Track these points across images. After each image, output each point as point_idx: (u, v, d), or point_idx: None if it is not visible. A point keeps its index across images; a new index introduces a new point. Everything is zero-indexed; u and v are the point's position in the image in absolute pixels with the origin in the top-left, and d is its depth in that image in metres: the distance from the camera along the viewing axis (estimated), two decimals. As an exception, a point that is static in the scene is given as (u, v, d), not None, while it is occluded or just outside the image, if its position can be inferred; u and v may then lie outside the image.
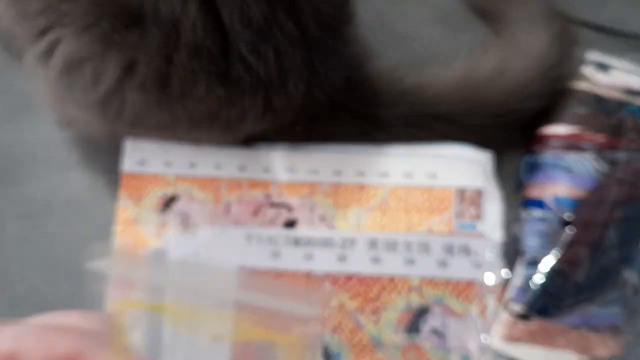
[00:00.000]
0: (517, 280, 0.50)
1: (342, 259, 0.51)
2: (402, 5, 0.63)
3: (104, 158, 0.55)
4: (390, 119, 0.53)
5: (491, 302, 0.50)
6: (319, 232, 0.52)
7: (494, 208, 0.53)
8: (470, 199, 0.53)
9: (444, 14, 0.62)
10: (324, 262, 0.51)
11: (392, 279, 0.51)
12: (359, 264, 0.51)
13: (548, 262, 0.50)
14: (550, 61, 0.54)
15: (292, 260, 0.51)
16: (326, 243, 0.51)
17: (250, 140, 0.54)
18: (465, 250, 0.51)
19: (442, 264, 0.51)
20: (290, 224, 0.53)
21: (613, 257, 0.50)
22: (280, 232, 0.52)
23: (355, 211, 0.53)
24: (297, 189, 0.53)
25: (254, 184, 0.53)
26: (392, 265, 0.51)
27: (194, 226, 0.52)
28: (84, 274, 0.51)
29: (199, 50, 0.42)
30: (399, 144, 0.54)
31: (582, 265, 0.50)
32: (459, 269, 0.51)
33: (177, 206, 0.52)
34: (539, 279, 0.49)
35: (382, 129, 0.53)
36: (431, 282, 0.51)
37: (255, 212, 0.53)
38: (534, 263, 0.50)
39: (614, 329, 0.49)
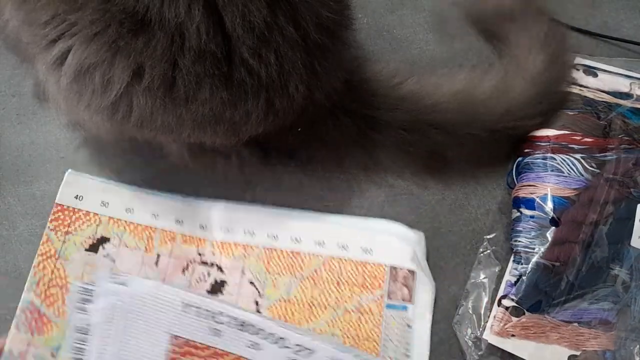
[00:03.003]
0: (510, 277, 0.50)
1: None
2: (399, 11, 0.62)
3: (112, 158, 0.54)
4: (388, 122, 0.52)
5: (485, 298, 0.50)
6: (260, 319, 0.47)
7: (425, 292, 0.50)
8: (403, 279, 0.50)
9: (439, 20, 0.62)
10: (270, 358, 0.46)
11: None
12: None
13: (540, 259, 0.49)
14: (547, 82, 0.54)
15: (235, 344, 0.46)
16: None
17: (252, 142, 0.53)
18: None
19: None
20: (219, 285, 0.49)
21: (603, 254, 0.49)
22: (223, 308, 0.47)
23: (287, 279, 0.50)
24: (230, 250, 0.50)
25: (188, 239, 0.50)
26: None
27: (122, 274, 0.48)
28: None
29: (203, 55, 0.41)
30: (337, 213, 0.52)
31: (573, 262, 0.49)
32: None
33: (106, 249, 0.49)
34: (531, 275, 0.49)
35: (379, 131, 0.52)
36: None
37: (185, 268, 0.49)
38: (526, 260, 0.49)
39: (605, 324, 0.48)
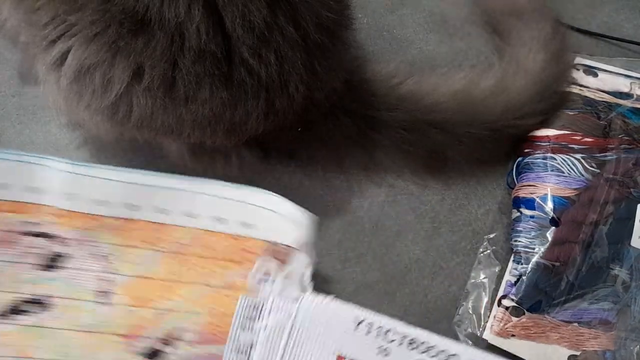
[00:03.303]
0: (510, 277, 0.50)
1: None
2: (399, 11, 0.62)
3: (112, 158, 0.54)
4: (388, 122, 0.52)
5: (485, 298, 0.50)
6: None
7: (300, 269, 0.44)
8: (280, 255, 0.45)
9: (439, 20, 0.62)
10: None
11: None
12: None
13: (540, 259, 0.49)
14: (547, 81, 0.54)
15: None
16: None
17: (252, 142, 0.53)
18: None
19: None
20: (58, 259, 0.43)
21: (603, 254, 0.49)
22: (394, 325, 0.42)
23: (147, 254, 0.43)
24: (77, 219, 0.43)
25: (17, 207, 0.43)
26: None
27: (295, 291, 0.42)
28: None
29: (203, 55, 0.41)
30: (216, 181, 0.47)
31: (573, 262, 0.49)
32: None
33: None
34: (531, 276, 0.49)
35: (379, 131, 0.52)
36: None
37: (11, 241, 0.42)
38: (526, 260, 0.49)
39: (605, 324, 0.48)
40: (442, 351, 0.41)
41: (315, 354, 0.41)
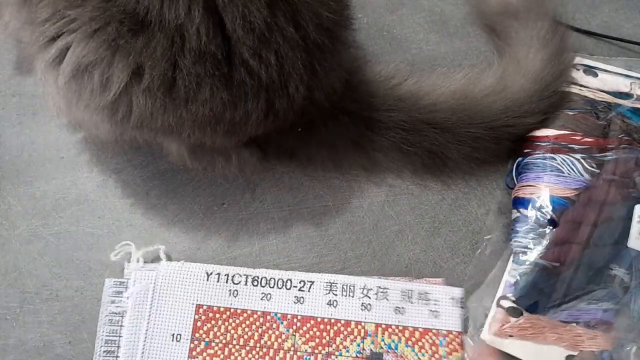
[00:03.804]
0: (509, 278, 0.50)
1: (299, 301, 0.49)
2: (399, 11, 0.62)
3: (112, 158, 0.54)
4: (387, 122, 0.52)
5: (484, 298, 0.50)
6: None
7: None
8: None
9: (439, 20, 0.62)
10: (279, 303, 0.49)
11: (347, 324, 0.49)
12: (316, 307, 0.49)
13: (539, 259, 0.49)
14: (546, 80, 0.54)
15: (249, 300, 0.49)
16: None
17: (252, 142, 0.53)
18: (424, 298, 0.49)
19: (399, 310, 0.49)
20: None
21: (602, 255, 0.49)
22: (239, 270, 0.50)
23: None
24: None
25: None
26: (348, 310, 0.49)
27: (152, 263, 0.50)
28: (92, 269, 0.51)
29: (203, 55, 0.42)
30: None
31: (572, 262, 0.49)
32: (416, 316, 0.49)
33: None
34: (529, 276, 0.49)
35: (378, 131, 0.52)
36: (386, 329, 0.49)
37: None
38: (525, 261, 0.50)
39: (604, 325, 0.48)
40: (280, 279, 0.50)
41: (177, 308, 0.48)
